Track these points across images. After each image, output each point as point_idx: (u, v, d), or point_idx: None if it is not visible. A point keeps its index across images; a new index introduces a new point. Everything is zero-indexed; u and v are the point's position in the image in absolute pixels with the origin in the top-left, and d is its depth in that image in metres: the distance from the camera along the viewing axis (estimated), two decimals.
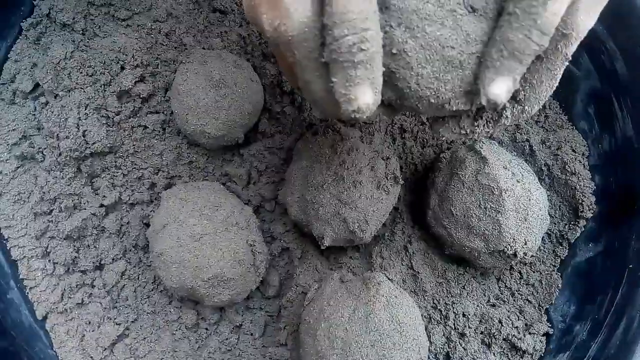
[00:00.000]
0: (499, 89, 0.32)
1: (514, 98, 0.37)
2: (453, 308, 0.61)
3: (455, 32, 0.32)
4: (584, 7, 0.33)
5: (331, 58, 0.31)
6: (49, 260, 0.60)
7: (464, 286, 0.62)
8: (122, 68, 0.60)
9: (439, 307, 0.61)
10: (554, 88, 0.37)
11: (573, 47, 0.34)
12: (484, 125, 0.38)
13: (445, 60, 0.33)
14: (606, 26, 0.58)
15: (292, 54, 0.33)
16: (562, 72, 0.36)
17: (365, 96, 0.31)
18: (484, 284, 0.63)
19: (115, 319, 0.60)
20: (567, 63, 0.36)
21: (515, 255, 0.55)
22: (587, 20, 0.33)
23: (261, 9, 0.32)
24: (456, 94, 0.35)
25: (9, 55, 0.60)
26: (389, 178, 0.56)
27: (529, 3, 0.30)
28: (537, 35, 0.31)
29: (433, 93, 0.34)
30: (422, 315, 0.59)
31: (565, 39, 0.33)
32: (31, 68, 0.60)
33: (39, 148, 0.59)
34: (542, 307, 0.63)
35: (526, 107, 0.37)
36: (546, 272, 0.63)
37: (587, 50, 0.61)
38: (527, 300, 0.63)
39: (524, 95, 0.37)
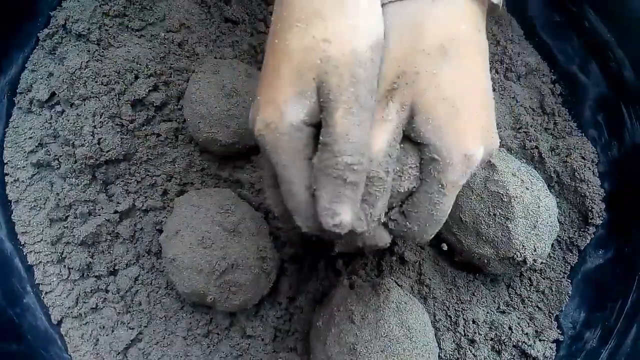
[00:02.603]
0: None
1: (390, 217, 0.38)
2: (463, 314, 0.61)
3: None
4: (433, 129, 0.34)
5: (323, 171, 0.32)
6: (64, 266, 0.61)
7: (473, 293, 0.62)
8: (136, 77, 0.61)
9: (448, 314, 0.62)
10: (443, 214, 0.37)
11: (451, 174, 0.35)
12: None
13: None
14: (615, 34, 0.58)
15: (276, 154, 0.34)
16: (450, 199, 0.36)
17: (347, 214, 0.33)
18: (493, 291, 0.63)
19: (128, 323, 0.61)
20: (455, 190, 0.36)
21: (524, 262, 0.55)
22: (455, 143, 0.34)
23: (261, 111, 0.34)
24: None
25: (26, 65, 0.61)
26: None
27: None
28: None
29: None
30: (431, 321, 0.60)
31: (434, 163, 0.35)
32: (47, 77, 0.61)
33: (55, 156, 0.61)
34: (552, 313, 0.63)
35: (414, 228, 0.38)
36: (556, 279, 0.63)
37: (595, 58, 0.61)
38: (537, 307, 0.63)
39: (406, 216, 0.38)
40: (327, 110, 0.32)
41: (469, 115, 0.35)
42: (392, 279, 0.60)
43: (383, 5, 0.34)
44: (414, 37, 0.34)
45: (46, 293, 0.61)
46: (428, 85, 0.34)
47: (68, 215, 0.61)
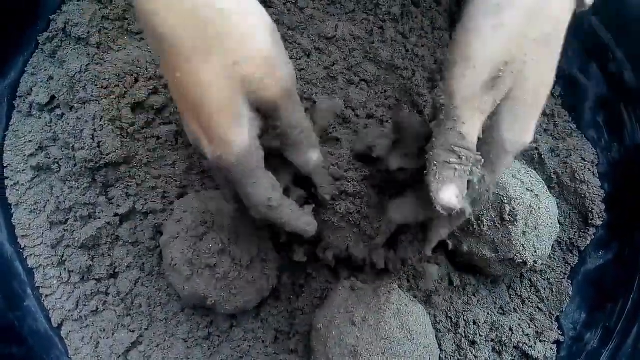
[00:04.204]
0: (448, 194, 0.36)
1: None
2: (464, 316, 0.61)
3: None
4: (507, 126, 0.37)
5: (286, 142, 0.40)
6: (65, 269, 0.61)
7: (474, 294, 0.62)
8: (136, 80, 0.61)
9: (449, 315, 0.62)
10: (489, 193, 0.41)
11: (504, 160, 0.38)
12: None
13: None
14: (614, 35, 0.58)
15: (231, 175, 0.38)
16: (495, 179, 0.40)
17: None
18: (494, 292, 0.63)
19: (129, 326, 0.61)
20: (502, 172, 0.40)
21: (525, 263, 0.55)
22: (514, 136, 0.37)
23: (202, 142, 0.36)
24: None
25: (25, 69, 0.61)
26: None
27: (445, 129, 0.36)
28: (459, 149, 0.36)
29: None
30: (432, 323, 0.60)
31: (496, 150, 0.38)
32: (47, 81, 0.61)
33: (55, 159, 0.61)
34: (553, 314, 0.63)
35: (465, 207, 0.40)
36: (556, 279, 0.63)
37: (595, 59, 0.61)
38: (538, 308, 0.63)
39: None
40: (270, 116, 0.37)
41: (539, 109, 0.37)
42: (392, 281, 0.60)
43: None
44: (534, 24, 0.34)
45: (46, 296, 0.61)
46: (531, 75, 0.35)
47: (68, 219, 0.61)
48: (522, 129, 0.37)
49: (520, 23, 0.34)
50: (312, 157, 0.43)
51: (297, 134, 0.40)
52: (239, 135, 0.36)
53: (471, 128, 0.36)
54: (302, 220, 0.44)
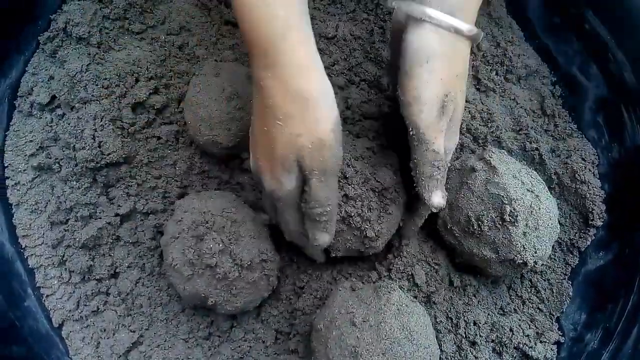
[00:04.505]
0: (437, 198, 0.51)
1: None
2: (464, 316, 0.61)
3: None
4: (448, 137, 0.51)
5: (308, 215, 0.49)
6: (65, 269, 0.61)
7: (474, 295, 0.62)
8: (137, 80, 0.61)
9: (449, 316, 0.62)
10: None
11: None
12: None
13: None
14: (615, 36, 0.58)
15: (279, 205, 0.50)
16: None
17: (324, 238, 0.51)
18: (494, 293, 0.63)
19: (129, 326, 0.61)
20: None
21: (525, 264, 0.55)
22: (451, 144, 0.52)
23: (264, 176, 0.49)
24: None
25: (26, 69, 0.61)
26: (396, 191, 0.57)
27: (422, 151, 0.49)
28: (437, 162, 0.49)
29: None
30: (432, 323, 0.60)
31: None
32: (48, 81, 0.61)
33: (56, 159, 0.61)
34: (553, 315, 0.63)
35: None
36: (557, 280, 0.63)
37: (595, 60, 0.61)
38: (538, 308, 0.63)
39: None
40: (306, 179, 0.47)
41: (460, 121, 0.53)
42: (393, 282, 0.60)
43: (424, 22, 0.45)
44: (453, 65, 0.47)
45: (47, 296, 0.61)
46: (459, 99, 0.50)
47: (69, 219, 0.61)
48: (455, 137, 0.53)
49: (446, 66, 0.46)
50: (321, 239, 0.51)
51: (319, 211, 0.48)
52: (287, 180, 0.47)
53: (439, 145, 0.49)
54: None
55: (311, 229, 0.50)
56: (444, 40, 0.46)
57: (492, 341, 0.62)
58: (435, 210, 0.52)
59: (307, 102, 0.43)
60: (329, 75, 0.45)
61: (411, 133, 0.49)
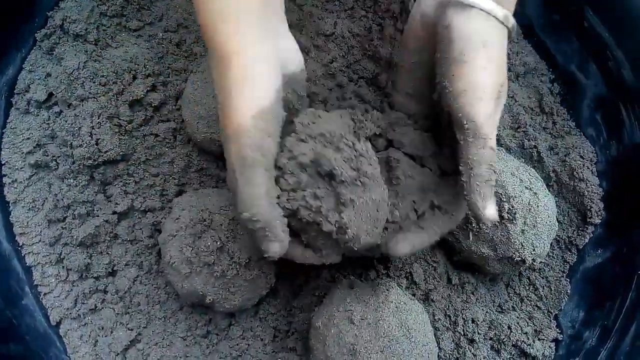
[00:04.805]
0: (492, 210, 0.43)
1: None
2: (462, 314, 0.61)
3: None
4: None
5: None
6: (63, 267, 0.61)
7: (472, 292, 0.63)
8: (134, 77, 0.61)
9: (448, 313, 0.62)
10: None
11: None
12: None
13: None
14: (613, 34, 0.58)
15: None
16: None
17: (276, 248, 0.41)
18: (492, 290, 0.63)
19: (127, 324, 0.61)
20: None
21: (523, 261, 0.55)
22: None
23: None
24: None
25: (23, 66, 0.61)
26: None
27: (478, 149, 0.42)
28: (494, 163, 0.43)
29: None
30: (431, 321, 0.60)
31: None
32: (45, 78, 0.61)
33: (53, 156, 0.61)
34: (551, 313, 0.63)
35: None
36: (555, 278, 0.63)
37: (594, 58, 0.61)
38: (536, 306, 0.63)
39: None
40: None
41: None
42: (391, 279, 0.60)
43: (471, 7, 0.42)
44: (504, 54, 0.44)
45: (45, 294, 0.61)
46: (505, 96, 0.45)
47: (66, 216, 0.61)
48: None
49: (501, 53, 0.43)
50: (270, 249, 0.42)
51: (247, 216, 0.40)
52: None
53: (494, 141, 0.43)
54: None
55: (255, 240, 0.41)
56: (496, 27, 0.43)
57: (491, 339, 0.62)
58: (486, 225, 0.47)
59: (229, 91, 0.39)
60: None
61: (465, 127, 0.42)
